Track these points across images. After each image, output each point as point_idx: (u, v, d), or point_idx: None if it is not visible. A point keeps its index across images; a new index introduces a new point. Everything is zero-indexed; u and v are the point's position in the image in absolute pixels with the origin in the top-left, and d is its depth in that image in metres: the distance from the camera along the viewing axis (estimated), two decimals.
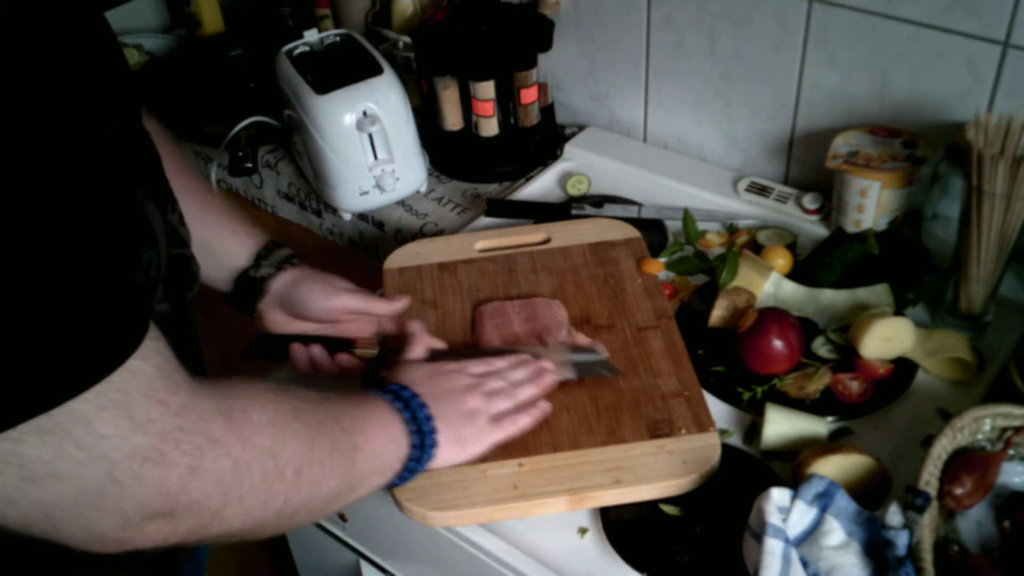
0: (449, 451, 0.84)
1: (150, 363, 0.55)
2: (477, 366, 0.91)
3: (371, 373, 0.96)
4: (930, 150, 1.10)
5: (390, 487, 0.82)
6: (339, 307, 0.99)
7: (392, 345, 0.98)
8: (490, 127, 1.38)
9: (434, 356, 0.95)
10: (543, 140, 1.42)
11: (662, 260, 1.13)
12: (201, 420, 0.58)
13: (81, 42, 0.59)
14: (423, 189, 1.38)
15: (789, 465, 0.88)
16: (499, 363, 0.92)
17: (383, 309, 1.00)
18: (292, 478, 0.66)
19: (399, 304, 1.01)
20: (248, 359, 0.98)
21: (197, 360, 0.86)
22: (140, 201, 0.64)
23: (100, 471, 0.52)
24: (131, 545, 0.57)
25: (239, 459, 0.61)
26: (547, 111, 1.43)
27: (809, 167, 1.27)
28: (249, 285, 0.98)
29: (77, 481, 0.52)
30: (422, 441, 0.81)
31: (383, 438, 0.78)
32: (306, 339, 0.98)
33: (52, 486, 0.52)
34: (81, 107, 0.55)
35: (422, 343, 0.95)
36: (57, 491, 0.52)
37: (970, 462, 0.81)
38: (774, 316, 0.98)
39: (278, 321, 1.01)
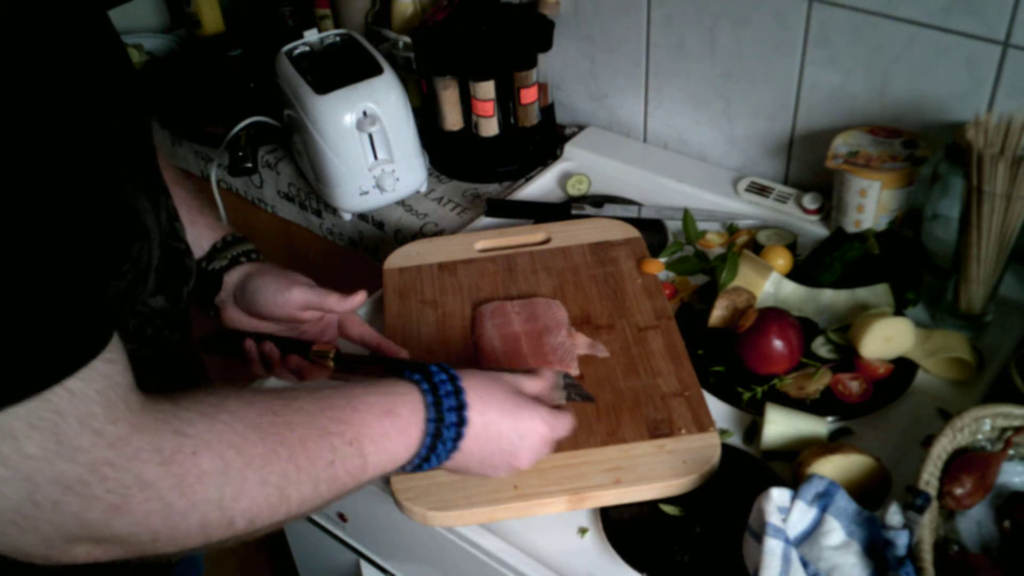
0: (472, 459, 0.76)
1: (93, 386, 0.51)
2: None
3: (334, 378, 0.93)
4: (930, 150, 1.10)
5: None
6: (291, 302, 0.94)
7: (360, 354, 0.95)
8: (490, 127, 1.38)
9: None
10: (543, 140, 1.42)
11: (662, 260, 1.13)
12: (134, 458, 0.53)
13: (81, 38, 0.58)
14: (423, 189, 1.38)
15: (789, 465, 0.88)
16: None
17: (337, 305, 0.95)
18: (244, 527, 0.60)
19: (354, 300, 0.95)
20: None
21: (193, 359, 0.85)
22: (131, 196, 0.62)
23: (22, 492, 0.50)
24: (59, 562, 0.55)
25: (172, 505, 0.55)
26: (547, 111, 1.43)
27: (809, 167, 1.27)
28: (203, 278, 0.94)
29: None
30: (438, 433, 0.72)
31: (390, 434, 0.70)
32: (262, 337, 0.94)
33: None
34: (76, 103, 0.55)
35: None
36: None
37: (970, 462, 0.81)
38: (774, 316, 0.98)
39: (235, 319, 0.97)
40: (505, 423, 0.75)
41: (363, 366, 0.94)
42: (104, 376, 0.52)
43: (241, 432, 0.59)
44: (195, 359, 0.85)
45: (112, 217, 0.59)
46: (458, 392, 0.73)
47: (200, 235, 0.94)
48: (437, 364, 0.74)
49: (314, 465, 0.64)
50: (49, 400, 0.49)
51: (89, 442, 0.51)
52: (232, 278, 0.96)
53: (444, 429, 0.71)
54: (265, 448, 0.60)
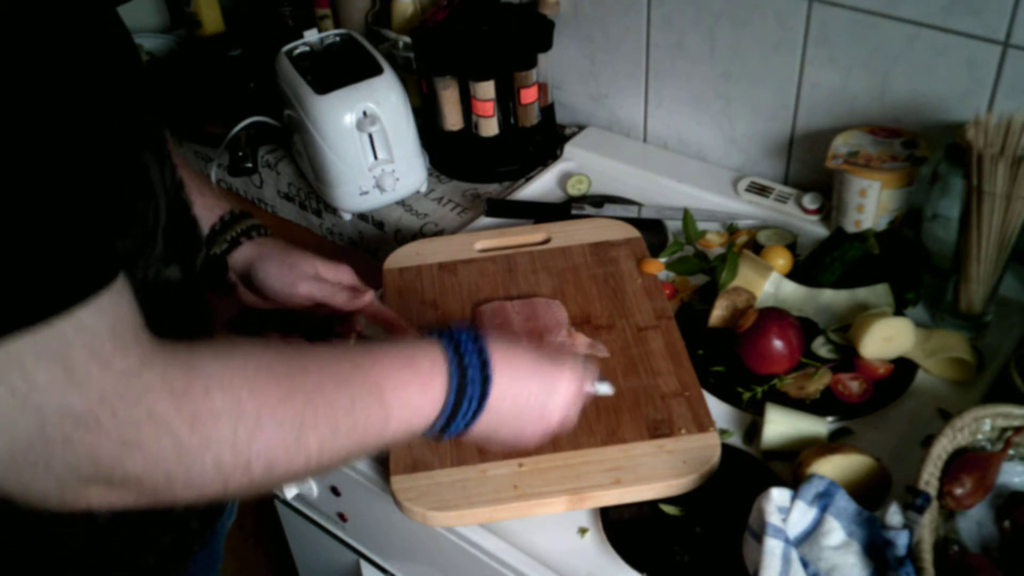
0: (501, 420, 0.73)
1: (102, 320, 0.51)
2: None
3: None
4: (930, 150, 1.10)
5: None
6: (297, 297, 0.93)
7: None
8: (490, 127, 1.38)
9: None
10: (543, 140, 1.42)
11: (662, 260, 1.13)
12: (146, 391, 0.52)
13: (95, 24, 0.60)
14: (423, 189, 1.38)
15: (789, 465, 0.88)
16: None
17: (345, 305, 0.95)
18: (262, 472, 0.58)
19: (361, 301, 0.95)
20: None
21: (208, 335, 0.84)
22: (138, 152, 0.63)
23: (32, 425, 0.49)
24: (73, 507, 0.54)
25: (185, 443, 0.54)
26: (547, 111, 1.43)
27: (809, 167, 1.27)
28: (207, 263, 0.93)
29: (10, 431, 0.49)
30: (460, 392, 0.69)
31: (411, 384, 0.67)
32: (288, 318, 0.93)
33: None
34: (84, 60, 0.56)
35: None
36: None
37: (970, 462, 0.81)
38: (774, 316, 0.98)
39: (252, 299, 0.96)
40: (533, 380, 0.73)
41: None
42: (113, 312, 0.52)
43: (255, 374, 0.58)
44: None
45: (119, 166, 0.59)
46: (480, 350, 0.70)
47: (199, 216, 0.93)
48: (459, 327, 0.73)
49: (332, 411, 0.61)
50: (56, 329, 0.49)
51: (98, 373, 0.50)
52: (236, 261, 0.95)
53: (468, 384, 0.69)
54: (280, 390, 0.58)
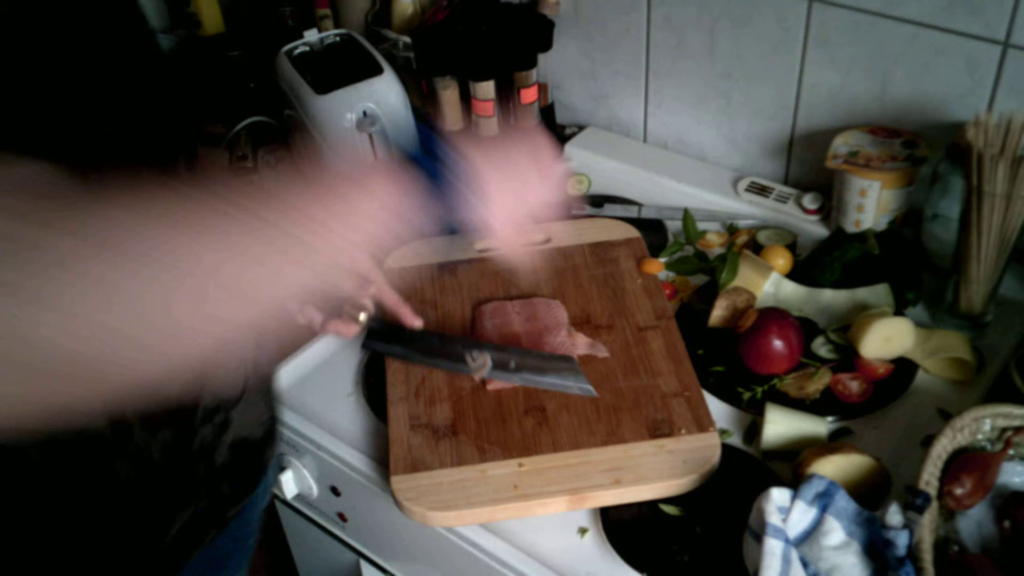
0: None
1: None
2: None
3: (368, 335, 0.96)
4: (930, 150, 1.10)
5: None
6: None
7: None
8: (490, 127, 1.37)
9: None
10: None
11: (662, 260, 1.13)
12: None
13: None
14: None
15: (789, 465, 0.88)
16: None
17: (355, 291, 0.95)
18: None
19: (372, 291, 0.95)
20: None
21: None
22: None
23: None
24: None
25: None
26: (547, 111, 1.43)
27: (809, 167, 1.27)
28: None
29: None
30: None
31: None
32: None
33: None
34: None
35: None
36: None
37: (970, 462, 0.81)
38: (774, 316, 0.98)
39: None
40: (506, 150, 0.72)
41: (395, 348, 0.99)
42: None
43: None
44: None
45: None
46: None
47: None
48: None
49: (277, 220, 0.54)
50: None
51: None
52: None
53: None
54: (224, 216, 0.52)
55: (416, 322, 0.98)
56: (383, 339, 1.01)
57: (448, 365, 0.98)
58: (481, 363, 0.96)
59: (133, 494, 0.70)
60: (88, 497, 0.68)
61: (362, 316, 0.94)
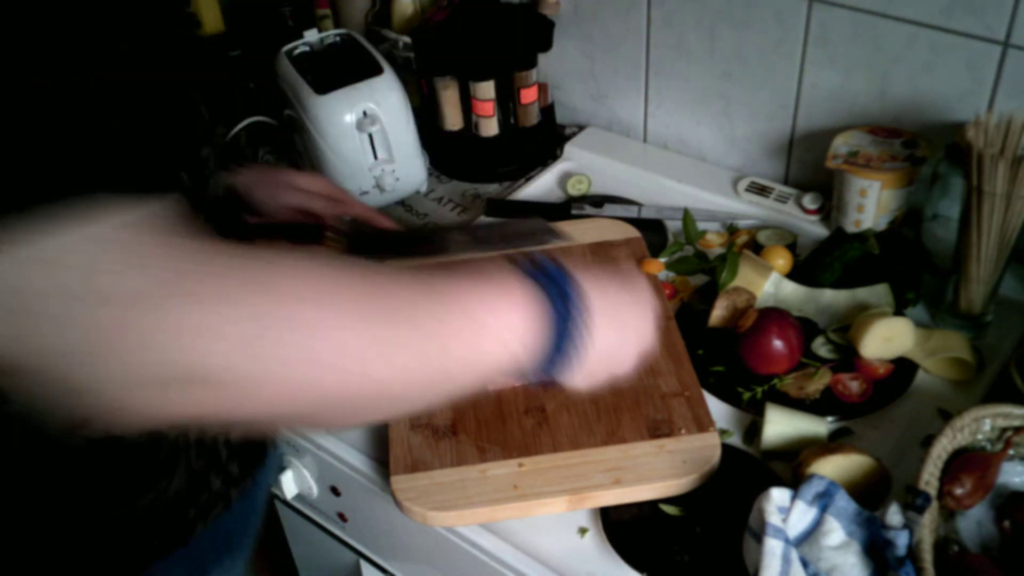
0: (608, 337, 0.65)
1: (174, 208, 0.49)
2: None
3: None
4: (930, 150, 1.10)
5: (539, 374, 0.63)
6: (284, 206, 0.98)
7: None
8: (490, 127, 1.38)
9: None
10: (543, 140, 1.42)
11: (662, 260, 1.13)
12: (210, 263, 0.49)
13: None
14: (423, 189, 1.38)
15: (789, 465, 0.88)
16: None
17: (326, 211, 1.00)
18: (357, 373, 0.53)
19: (343, 209, 1.01)
20: None
21: None
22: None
23: (103, 312, 0.46)
24: (155, 413, 0.50)
25: (248, 334, 0.49)
26: (547, 111, 1.43)
27: (809, 167, 1.27)
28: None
29: (77, 319, 0.46)
30: (567, 311, 0.62)
31: (499, 297, 0.60)
32: (273, 230, 0.96)
33: (51, 323, 0.46)
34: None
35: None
36: (58, 331, 0.46)
37: (970, 462, 0.81)
38: (774, 316, 0.98)
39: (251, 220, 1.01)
40: (621, 293, 0.68)
41: (381, 248, 1.01)
42: (180, 205, 0.50)
43: (331, 267, 0.54)
44: None
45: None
46: (562, 268, 0.64)
47: None
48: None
49: (414, 315, 0.56)
50: (126, 215, 0.47)
51: (162, 254, 0.48)
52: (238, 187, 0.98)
53: (569, 302, 0.62)
54: (361, 285, 0.54)
55: (388, 222, 1.02)
56: (366, 250, 1.02)
57: (430, 253, 1.01)
58: (458, 242, 0.98)
59: (165, 467, 0.72)
60: (99, 482, 0.69)
61: (339, 237, 0.99)
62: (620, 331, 0.67)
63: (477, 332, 0.58)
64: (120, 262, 0.47)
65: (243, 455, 0.80)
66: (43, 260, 0.45)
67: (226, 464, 0.78)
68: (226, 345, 0.49)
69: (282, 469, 1.08)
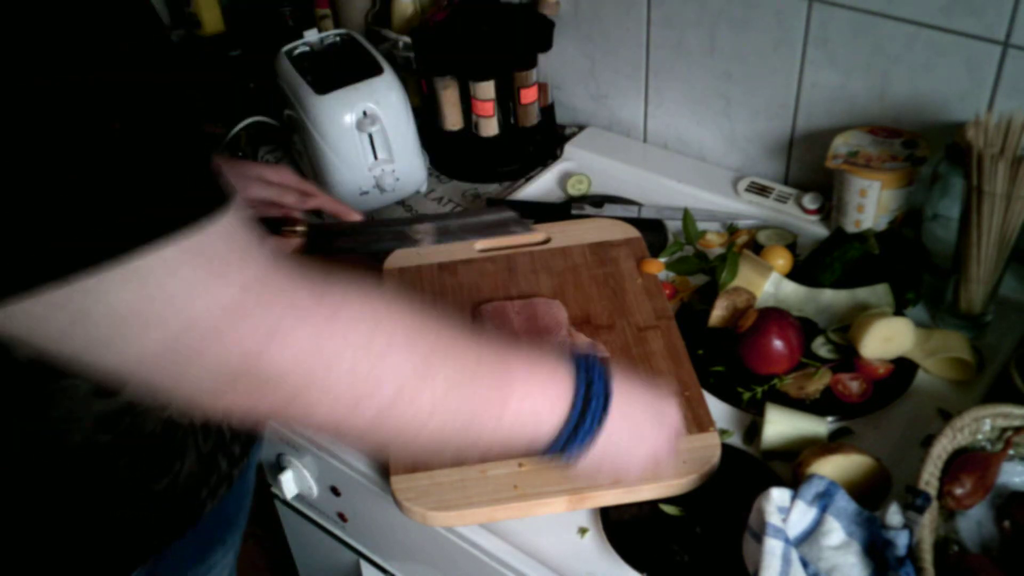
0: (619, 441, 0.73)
1: (240, 217, 0.52)
2: None
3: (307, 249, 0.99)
4: (930, 150, 1.10)
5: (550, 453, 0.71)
6: (251, 199, 0.99)
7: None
8: (490, 127, 1.38)
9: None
10: (543, 140, 1.42)
11: (662, 260, 1.13)
12: (288, 281, 0.53)
13: None
14: (423, 189, 1.38)
15: (789, 465, 0.88)
16: None
17: (296, 204, 1.01)
18: (390, 397, 0.58)
19: (311, 204, 1.02)
20: None
21: None
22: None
23: (181, 319, 0.49)
24: (219, 408, 0.54)
25: (324, 337, 0.54)
26: (547, 111, 1.43)
27: (809, 167, 1.27)
28: None
29: (161, 330, 0.49)
30: (584, 408, 0.69)
31: (534, 385, 0.67)
32: None
33: (136, 334, 0.49)
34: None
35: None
36: (141, 340, 0.49)
37: (970, 462, 0.81)
38: (774, 316, 0.98)
39: None
40: (645, 401, 0.77)
41: (341, 243, 1.03)
42: (244, 215, 0.53)
43: (388, 300, 0.60)
44: None
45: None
46: (603, 370, 0.72)
47: None
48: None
49: (459, 361, 0.62)
50: (202, 231, 0.49)
51: (240, 265, 0.51)
52: None
53: (593, 398, 0.69)
54: (413, 321, 0.61)
55: (355, 216, 1.02)
56: (326, 241, 1.03)
57: (395, 245, 1.03)
58: (424, 232, 0.99)
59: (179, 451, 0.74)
60: (108, 470, 0.70)
61: (299, 228, 0.99)
62: (633, 435, 0.74)
63: (503, 398, 0.65)
64: (204, 275, 0.50)
65: (242, 435, 0.82)
66: (131, 274, 0.47)
67: (230, 445, 0.80)
68: (296, 346, 0.53)
69: (282, 469, 1.08)
